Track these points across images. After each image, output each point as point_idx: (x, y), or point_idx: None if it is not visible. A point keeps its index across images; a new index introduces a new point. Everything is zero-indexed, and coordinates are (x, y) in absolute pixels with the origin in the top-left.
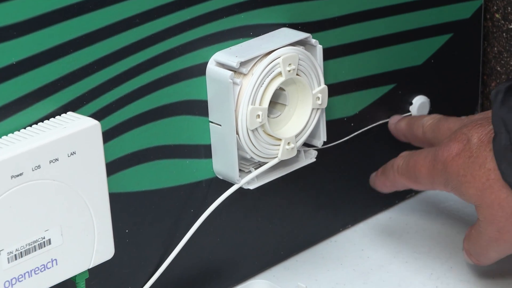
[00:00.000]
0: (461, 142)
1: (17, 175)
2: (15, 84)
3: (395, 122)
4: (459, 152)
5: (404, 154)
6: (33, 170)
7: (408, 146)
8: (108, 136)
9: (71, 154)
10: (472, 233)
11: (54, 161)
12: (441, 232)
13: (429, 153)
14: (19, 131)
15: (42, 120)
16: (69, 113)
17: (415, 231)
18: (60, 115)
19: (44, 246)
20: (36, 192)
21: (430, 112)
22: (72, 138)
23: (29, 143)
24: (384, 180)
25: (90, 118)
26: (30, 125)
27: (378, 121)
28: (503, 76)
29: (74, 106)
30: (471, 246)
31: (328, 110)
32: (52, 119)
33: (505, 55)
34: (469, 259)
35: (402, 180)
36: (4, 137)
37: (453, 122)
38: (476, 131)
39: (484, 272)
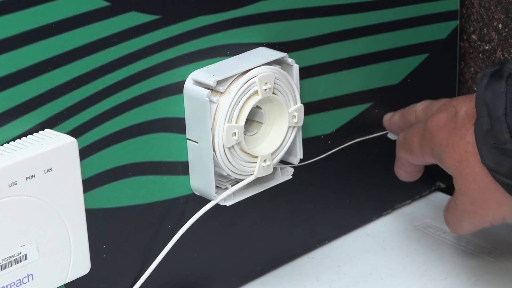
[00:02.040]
0: (449, 113)
1: None
2: None
3: (389, 118)
4: (446, 123)
5: (406, 129)
6: (9, 187)
7: (390, 161)
8: (85, 152)
9: (48, 170)
10: (450, 203)
11: (30, 177)
12: (416, 250)
13: (421, 124)
14: None
15: (19, 137)
16: (47, 130)
17: (391, 248)
18: (37, 132)
19: (21, 261)
20: (13, 208)
21: None
22: (49, 155)
23: (6, 160)
24: (396, 161)
25: (67, 135)
26: (8, 142)
27: (355, 139)
28: None
29: (51, 123)
30: (448, 215)
31: (304, 128)
32: (29, 136)
33: None
34: (448, 226)
35: (402, 153)
36: None
37: (443, 101)
38: (465, 105)
39: None
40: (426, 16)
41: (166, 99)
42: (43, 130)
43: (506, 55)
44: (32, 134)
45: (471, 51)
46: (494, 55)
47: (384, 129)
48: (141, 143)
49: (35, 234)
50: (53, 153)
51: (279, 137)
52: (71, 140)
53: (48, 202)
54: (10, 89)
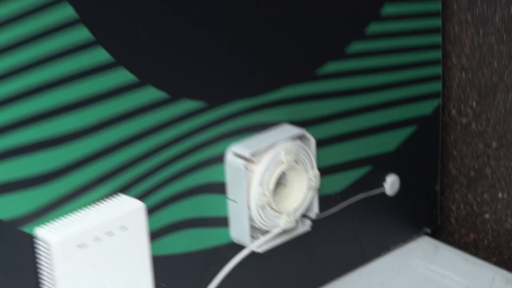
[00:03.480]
0: None
1: (82, 245)
2: (82, 174)
3: None
4: None
5: None
6: (93, 241)
7: (386, 212)
8: (150, 211)
9: (123, 228)
10: None
11: (110, 234)
12: (409, 284)
13: None
14: (83, 209)
15: (100, 200)
16: (121, 194)
17: (388, 283)
18: (114, 196)
19: None
20: (95, 258)
21: (400, 188)
22: (124, 216)
23: (91, 221)
24: None
25: (137, 200)
26: (91, 204)
27: (360, 195)
28: (458, 159)
29: (124, 189)
30: None
31: (320, 187)
32: (108, 199)
33: (460, 142)
34: None
35: None
36: (72, 214)
37: None
38: None
39: None
40: (415, 96)
41: (212, 168)
42: (118, 194)
43: (480, 128)
44: (110, 198)
45: (451, 123)
46: (469, 127)
47: (382, 186)
48: (193, 202)
49: (111, 280)
50: (127, 215)
51: (300, 197)
52: (141, 205)
53: (123, 253)
54: (93, 164)
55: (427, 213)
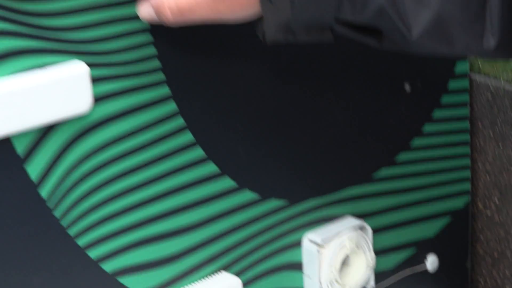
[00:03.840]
0: None
1: None
2: (194, 257)
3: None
4: None
5: None
6: None
7: (424, 284)
8: (244, 284)
9: None
10: None
11: None
12: None
13: None
14: (195, 283)
15: (207, 276)
16: (223, 272)
17: None
18: (217, 273)
19: None
20: None
21: (439, 265)
22: None
23: None
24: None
25: (235, 277)
26: (201, 280)
27: (406, 270)
28: (484, 243)
29: (225, 267)
30: None
31: (375, 265)
32: (213, 276)
33: (485, 230)
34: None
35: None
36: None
37: None
38: None
39: None
40: (449, 193)
41: (292, 251)
42: (220, 272)
43: (501, 219)
44: (214, 275)
45: (478, 215)
46: (493, 218)
47: (424, 263)
48: (277, 277)
49: None
50: None
51: (360, 273)
52: (238, 280)
53: None
54: (203, 249)
55: (460, 285)
